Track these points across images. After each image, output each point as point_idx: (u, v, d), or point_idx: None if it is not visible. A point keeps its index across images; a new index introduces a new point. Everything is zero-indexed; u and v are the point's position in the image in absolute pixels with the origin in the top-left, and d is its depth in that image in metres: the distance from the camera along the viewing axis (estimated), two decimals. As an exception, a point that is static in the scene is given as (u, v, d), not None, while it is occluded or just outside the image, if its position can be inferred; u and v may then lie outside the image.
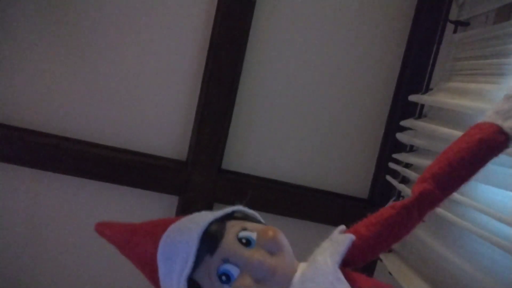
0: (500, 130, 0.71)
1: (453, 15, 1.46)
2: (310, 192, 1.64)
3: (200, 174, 1.57)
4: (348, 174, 1.67)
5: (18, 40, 1.51)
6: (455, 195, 1.09)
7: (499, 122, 0.71)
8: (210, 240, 0.71)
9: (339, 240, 0.74)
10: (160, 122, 1.61)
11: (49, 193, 1.60)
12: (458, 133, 1.10)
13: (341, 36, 1.61)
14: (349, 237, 0.73)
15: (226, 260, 0.70)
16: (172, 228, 0.76)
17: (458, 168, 0.73)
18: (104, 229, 0.84)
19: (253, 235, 0.72)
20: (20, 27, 1.51)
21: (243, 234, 0.72)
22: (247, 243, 0.71)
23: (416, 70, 1.57)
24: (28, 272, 1.64)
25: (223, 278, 0.69)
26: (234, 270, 0.69)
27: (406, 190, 1.39)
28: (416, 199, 0.73)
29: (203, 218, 0.74)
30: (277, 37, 1.60)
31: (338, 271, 0.68)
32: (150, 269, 0.77)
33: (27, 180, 1.58)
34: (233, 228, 0.73)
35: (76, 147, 1.54)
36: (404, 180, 1.47)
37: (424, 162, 1.32)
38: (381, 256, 1.49)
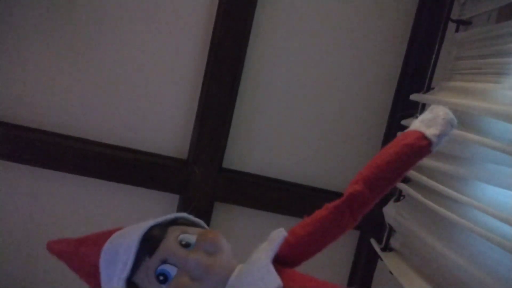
0: (423, 136, 0.80)
1: (455, 14, 1.46)
2: (310, 191, 1.64)
3: (201, 173, 1.57)
4: (349, 173, 1.66)
5: (19, 38, 1.51)
6: (456, 195, 1.10)
7: (422, 129, 0.81)
8: (149, 243, 0.73)
9: (272, 237, 0.79)
10: (160, 121, 1.60)
11: (49, 191, 1.60)
12: (459, 133, 1.10)
13: (342, 35, 1.60)
14: (281, 234, 0.78)
15: (164, 261, 0.72)
16: (115, 235, 0.78)
17: (386, 170, 0.82)
18: (53, 245, 0.85)
19: (192, 238, 0.75)
20: (21, 25, 1.51)
21: (182, 236, 0.75)
22: (186, 245, 0.74)
23: (417, 69, 1.57)
24: (28, 270, 1.65)
25: (161, 278, 0.71)
26: (171, 270, 0.72)
27: (407, 189, 1.38)
28: (346, 199, 0.80)
29: (145, 224, 0.77)
30: (278, 35, 1.60)
31: (269, 265, 0.72)
32: (94, 279, 0.78)
33: (27, 178, 1.58)
34: (174, 232, 0.75)
35: (77, 145, 1.54)
36: (405, 180, 1.47)
37: (425, 161, 1.32)
38: (382, 255, 1.49)
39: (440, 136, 0.79)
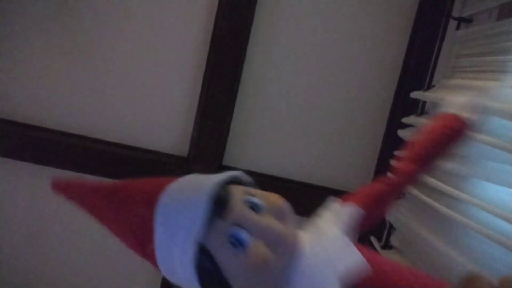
0: (460, 118, 0.92)
1: (456, 11, 1.46)
2: (311, 189, 1.64)
3: (202, 170, 1.56)
4: (350, 171, 1.67)
5: (21, 36, 1.51)
6: (457, 193, 1.10)
7: (459, 111, 0.93)
8: (218, 203, 0.65)
9: (344, 211, 0.79)
10: (161, 118, 1.60)
11: (48, 189, 1.60)
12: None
13: (343, 32, 1.60)
14: (357, 211, 0.79)
15: (236, 224, 0.65)
16: (172, 188, 0.69)
17: (432, 149, 0.92)
18: (74, 187, 0.77)
19: (258, 200, 0.68)
20: (22, 23, 1.51)
21: (250, 198, 0.68)
22: (254, 208, 0.67)
23: (418, 67, 1.57)
24: (28, 269, 1.65)
25: (235, 242, 0.64)
26: (244, 235, 0.65)
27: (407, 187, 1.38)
28: (403, 176, 0.90)
29: (207, 180, 0.69)
30: (279, 32, 1.59)
31: (348, 240, 0.70)
32: (140, 235, 0.69)
33: (27, 175, 1.58)
34: (238, 192, 0.68)
35: (77, 142, 1.54)
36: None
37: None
38: (382, 252, 1.49)
39: (474, 117, 0.91)
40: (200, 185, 0.68)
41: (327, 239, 0.70)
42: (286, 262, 0.66)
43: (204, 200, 0.64)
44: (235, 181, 0.73)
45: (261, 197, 0.69)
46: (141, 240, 0.68)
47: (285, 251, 0.66)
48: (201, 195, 0.65)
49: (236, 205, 0.66)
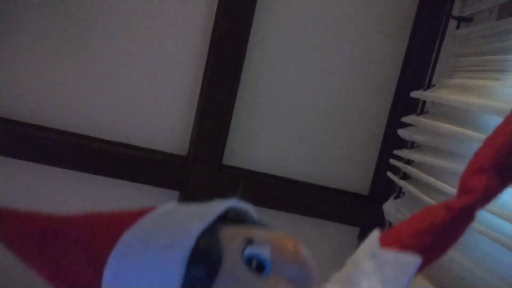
0: None
1: (456, 10, 1.45)
2: (310, 187, 1.64)
3: (201, 169, 1.57)
4: (349, 170, 1.67)
5: (18, 34, 1.51)
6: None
7: None
8: (202, 266, 0.44)
9: (393, 262, 0.54)
10: (160, 116, 1.60)
11: (48, 187, 1.59)
12: (460, 130, 1.10)
13: (343, 31, 1.60)
14: (414, 261, 0.54)
15: None
16: (129, 238, 0.46)
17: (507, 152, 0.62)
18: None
19: (266, 251, 0.46)
20: (20, 21, 1.50)
21: (251, 251, 0.46)
22: (259, 267, 0.45)
23: (418, 66, 1.57)
24: (28, 270, 1.64)
25: None
26: None
27: (407, 186, 1.38)
28: (480, 196, 0.59)
29: (184, 227, 0.47)
30: (279, 31, 1.59)
31: None
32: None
33: (26, 174, 1.57)
34: (233, 241, 0.47)
35: (76, 141, 1.54)
36: (405, 177, 1.47)
37: (426, 158, 1.32)
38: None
39: None
40: (172, 236, 0.45)
41: None
42: None
43: (178, 262, 0.43)
44: (227, 218, 0.52)
45: (267, 243, 0.47)
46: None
47: None
48: (174, 255, 0.43)
49: (230, 269, 0.45)
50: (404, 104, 1.57)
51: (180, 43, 1.57)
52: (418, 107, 1.50)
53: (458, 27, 1.44)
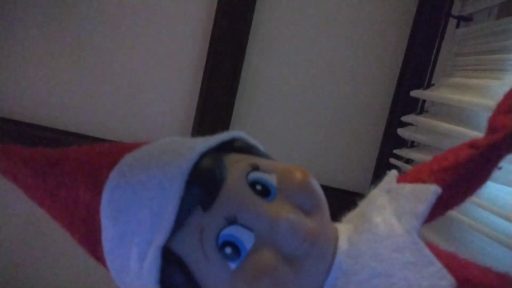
0: None
1: (456, 10, 1.45)
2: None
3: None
4: (349, 169, 1.67)
5: (19, 33, 1.51)
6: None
7: None
8: (203, 184, 0.42)
9: (411, 193, 0.49)
10: (160, 116, 1.60)
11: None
12: (459, 129, 1.10)
13: (343, 30, 1.60)
14: (433, 190, 0.49)
15: (232, 219, 0.41)
16: (128, 161, 0.45)
17: None
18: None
19: (272, 178, 0.44)
20: (21, 21, 1.50)
21: (256, 176, 0.44)
22: (264, 191, 0.43)
23: (418, 65, 1.57)
24: (28, 270, 1.64)
25: (227, 250, 0.40)
26: (245, 237, 0.41)
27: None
28: (508, 133, 0.54)
29: (187, 146, 0.45)
30: (279, 30, 1.59)
31: (415, 236, 0.44)
32: (85, 232, 0.47)
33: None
34: (237, 165, 0.45)
35: (76, 141, 1.54)
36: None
37: (425, 157, 1.32)
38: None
39: None
40: (173, 155, 0.43)
41: (384, 240, 0.44)
42: (314, 279, 0.42)
43: (178, 180, 0.41)
44: (233, 147, 0.50)
45: (273, 171, 0.45)
46: (88, 239, 0.47)
47: (311, 260, 0.42)
48: (173, 171, 0.41)
49: (232, 187, 0.42)
50: (404, 103, 1.57)
51: (180, 43, 1.57)
52: (418, 106, 1.50)
53: (457, 26, 1.44)
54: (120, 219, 0.43)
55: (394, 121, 1.59)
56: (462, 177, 0.54)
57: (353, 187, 1.66)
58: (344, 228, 0.48)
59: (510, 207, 0.94)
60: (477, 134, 1.04)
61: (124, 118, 1.59)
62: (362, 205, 0.54)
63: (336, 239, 0.45)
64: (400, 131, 1.50)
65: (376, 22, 1.60)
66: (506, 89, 1.01)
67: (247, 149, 0.51)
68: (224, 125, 1.57)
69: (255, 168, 0.45)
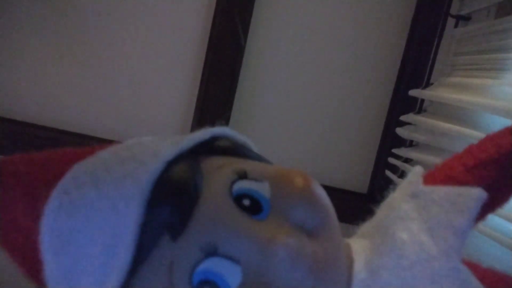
0: None
1: (454, 9, 1.46)
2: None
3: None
4: (347, 169, 1.67)
5: (18, 32, 1.51)
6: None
7: None
8: (170, 203, 0.32)
9: (448, 199, 0.38)
10: (160, 116, 1.60)
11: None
12: (458, 128, 1.10)
13: (341, 30, 1.60)
14: (477, 194, 0.38)
15: (210, 250, 0.31)
16: (79, 171, 0.34)
17: None
18: None
19: (264, 188, 0.34)
20: (19, 19, 1.50)
21: (243, 186, 0.34)
22: (254, 207, 0.33)
23: (416, 64, 1.57)
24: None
25: None
26: (229, 272, 0.31)
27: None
28: None
29: (150, 152, 0.34)
30: (278, 30, 1.59)
31: (455, 259, 0.34)
32: (26, 261, 0.38)
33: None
34: (218, 174, 0.34)
35: (76, 140, 1.54)
36: (404, 175, 1.47)
37: (424, 157, 1.32)
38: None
39: None
40: (133, 164, 0.33)
41: (414, 265, 0.34)
42: None
43: (136, 198, 0.31)
44: (215, 147, 0.40)
45: (264, 178, 0.35)
46: (33, 276, 0.37)
47: None
48: (130, 187, 0.31)
49: (211, 205, 0.32)
50: (402, 102, 1.57)
51: (179, 43, 1.57)
52: (417, 106, 1.50)
53: (456, 25, 1.44)
54: (63, 253, 0.32)
55: (392, 120, 1.59)
56: (507, 171, 0.43)
57: (352, 186, 1.66)
58: (359, 247, 0.38)
59: (510, 207, 0.94)
60: (476, 133, 1.05)
61: (123, 117, 1.59)
62: (381, 213, 0.43)
63: (350, 264, 0.36)
64: (399, 131, 1.50)
65: (374, 21, 1.60)
66: (504, 88, 1.01)
67: (233, 149, 0.41)
68: (223, 125, 1.57)
69: (242, 175, 0.34)
